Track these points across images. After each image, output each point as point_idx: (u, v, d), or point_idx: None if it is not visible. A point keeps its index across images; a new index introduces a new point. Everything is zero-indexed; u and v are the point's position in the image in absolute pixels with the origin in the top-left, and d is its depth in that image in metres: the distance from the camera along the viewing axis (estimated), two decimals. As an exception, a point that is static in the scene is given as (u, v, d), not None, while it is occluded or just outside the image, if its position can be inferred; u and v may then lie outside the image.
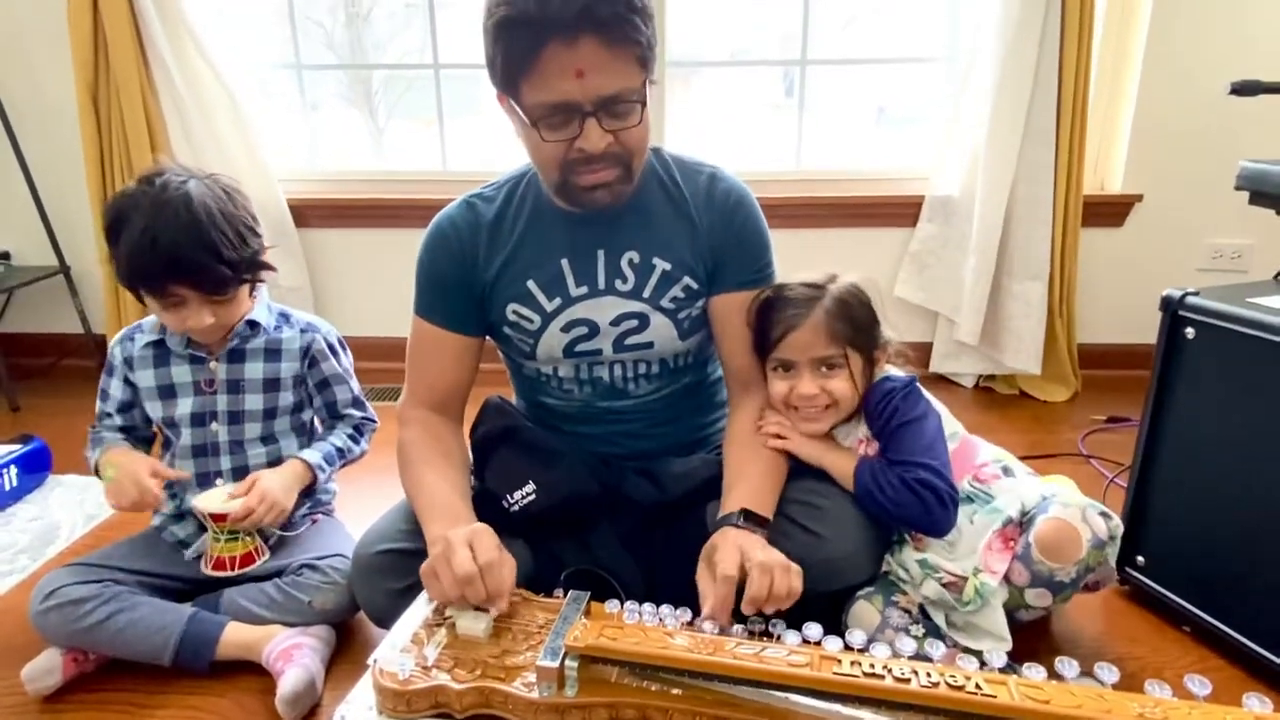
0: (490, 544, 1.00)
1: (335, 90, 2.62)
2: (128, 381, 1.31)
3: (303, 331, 1.35)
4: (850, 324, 1.14)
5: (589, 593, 1.02)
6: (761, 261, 1.23)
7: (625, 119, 1.03)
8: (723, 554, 0.99)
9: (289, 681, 1.11)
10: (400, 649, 0.96)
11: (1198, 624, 1.24)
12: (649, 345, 1.21)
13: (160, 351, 1.30)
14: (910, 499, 1.08)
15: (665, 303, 1.19)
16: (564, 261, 1.19)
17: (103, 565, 1.23)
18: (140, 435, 1.36)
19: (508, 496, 1.19)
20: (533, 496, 1.19)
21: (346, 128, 2.69)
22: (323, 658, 1.20)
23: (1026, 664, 0.86)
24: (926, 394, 1.18)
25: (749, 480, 1.12)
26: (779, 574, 0.96)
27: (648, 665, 0.90)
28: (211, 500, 1.23)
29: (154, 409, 1.31)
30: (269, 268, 1.30)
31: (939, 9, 2.36)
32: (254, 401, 1.31)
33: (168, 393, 1.30)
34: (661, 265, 1.18)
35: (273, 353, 1.32)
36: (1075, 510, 1.07)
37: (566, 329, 1.20)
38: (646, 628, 0.93)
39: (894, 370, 1.20)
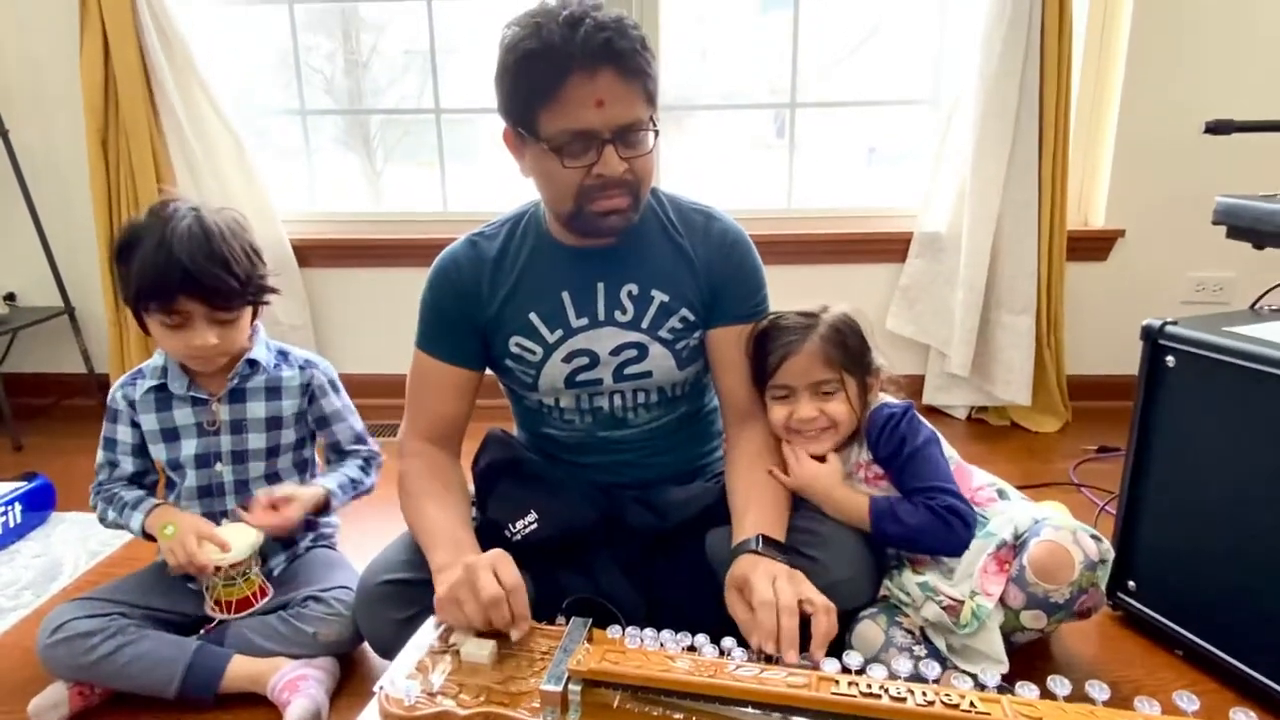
0: (513, 569, 1.02)
1: (333, 135, 2.69)
2: (134, 424, 1.33)
3: (301, 368, 1.38)
4: (843, 350, 1.19)
5: (591, 619, 1.04)
6: (757, 297, 1.27)
7: (639, 147, 1.10)
8: (757, 585, 0.99)
9: (295, 712, 1.12)
10: (406, 676, 0.97)
11: (1189, 647, 1.26)
12: (648, 375, 1.24)
13: (162, 395, 1.32)
14: (936, 525, 1.13)
15: (663, 333, 1.23)
16: (565, 294, 1.22)
17: (110, 600, 1.25)
18: (150, 483, 1.37)
19: (510, 526, 1.22)
20: (534, 526, 1.21)
21: (346, 171, 2.75)
22: (327, 689, 1.21)
23: (1020, 683, 0.87)
24: (921, 417, 1.22)
25: (761, 506, 1.15)
26: (821, 618, 0.97)
27: (650, 689, 0.91)
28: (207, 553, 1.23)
29: (158, 451, 1.33)
30: (273, 290, 1.33)
31: (923, 53, 2.44)
32: (257, 440, 1.33)
33: (171, 435, 1.32)
34: (660, 297, 1.22)
35: (273, 390, 1.34)
36: (1066, 533, 1.10)
37: (568, 359, 1.24)
38: (648, 652, 0.94)
39: (889, 398, 1.24)
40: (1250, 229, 1.57)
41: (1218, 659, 1.21)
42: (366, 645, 1.28)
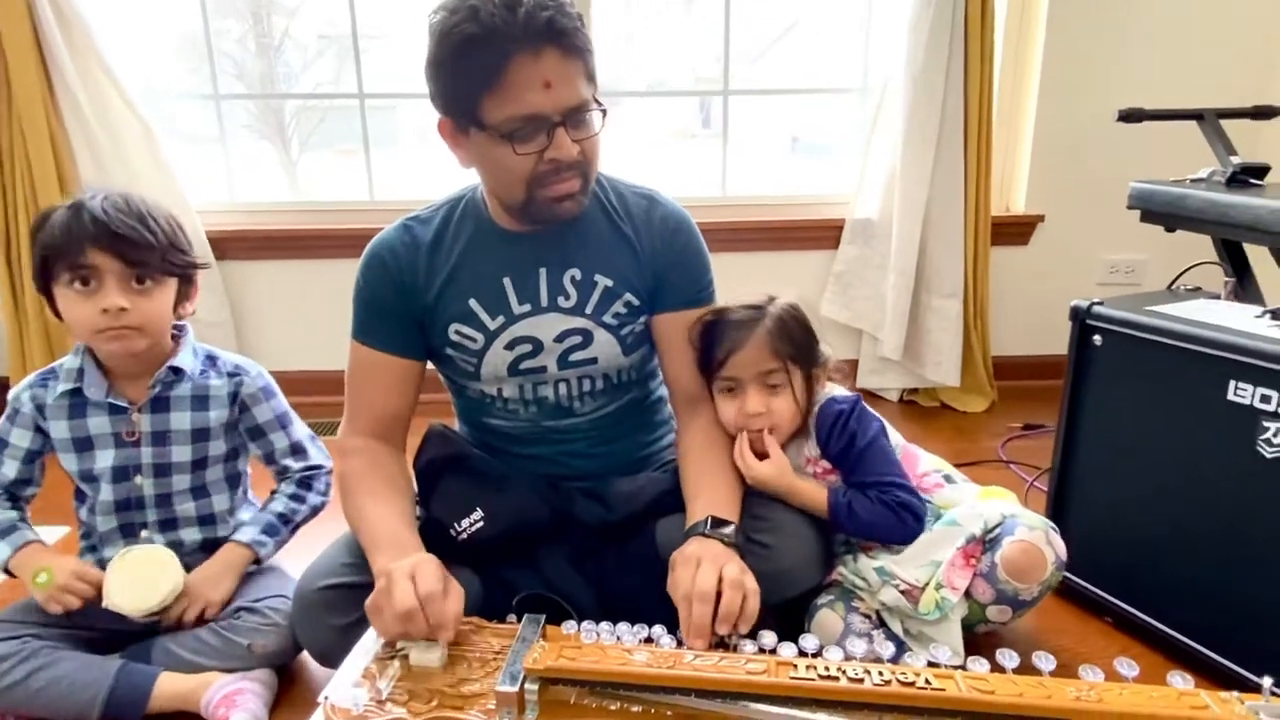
0: (433, 575, 0.98)
1: (245, 122, 2.56)
2: (39, 430, 1.23)
3: (230, 375, 1.29)
4: (790, 342, 1.19)
5: (544, 615, 1.01)
6: (702, 282, 1.26)
7: (587, 128, 1.08)
8: (679, 574, 1.00)
9: None
10: (352, 684, 0.93)
11: (1118, 614, 1.32)
12: (593, 361, 1.23)
13: (77, 401, 1.22)
14: (890, 518, 1.14)
15: (608, 318, 1.21)
16: (506, 280, 1.19)
17: (19, 620, 1.16)
18: (28, 495, 1.28)
19: (455, 525, 1.18)
20: (481, 524, 1.18)
21: (260, 159, 2.63)
22: (266, 702, 1.15)
23: (971, 657, 0.90)
24: (869, 408, 1.24)
25: (712, 489, 1.14)
26: (727, 595, 0.97)
27: (608, 683, 0.90)
28: (126, 601, 1.16)
29: (68, 461, 1.23)
30: (199, 266, 1.24)
31: (851, 42, 2.48)
32: (181, 453, 1.24)
33: (84, 445, 1.22)
34: (603, 282, 1.20)
35: (200, 399, 1.25)
36: (1040, 533, 1.13)
37: (510, 347, 1.21)
38: (605, 646, 0.93)
39: (837, 390, 1.25)
40: (1163, 213, 1.65)
41: (1144, 624, 1.27)
42: (305, 655, 1.23)
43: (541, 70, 1.01)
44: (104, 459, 1.22)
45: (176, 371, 1.24)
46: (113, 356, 1.21)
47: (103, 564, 1.21)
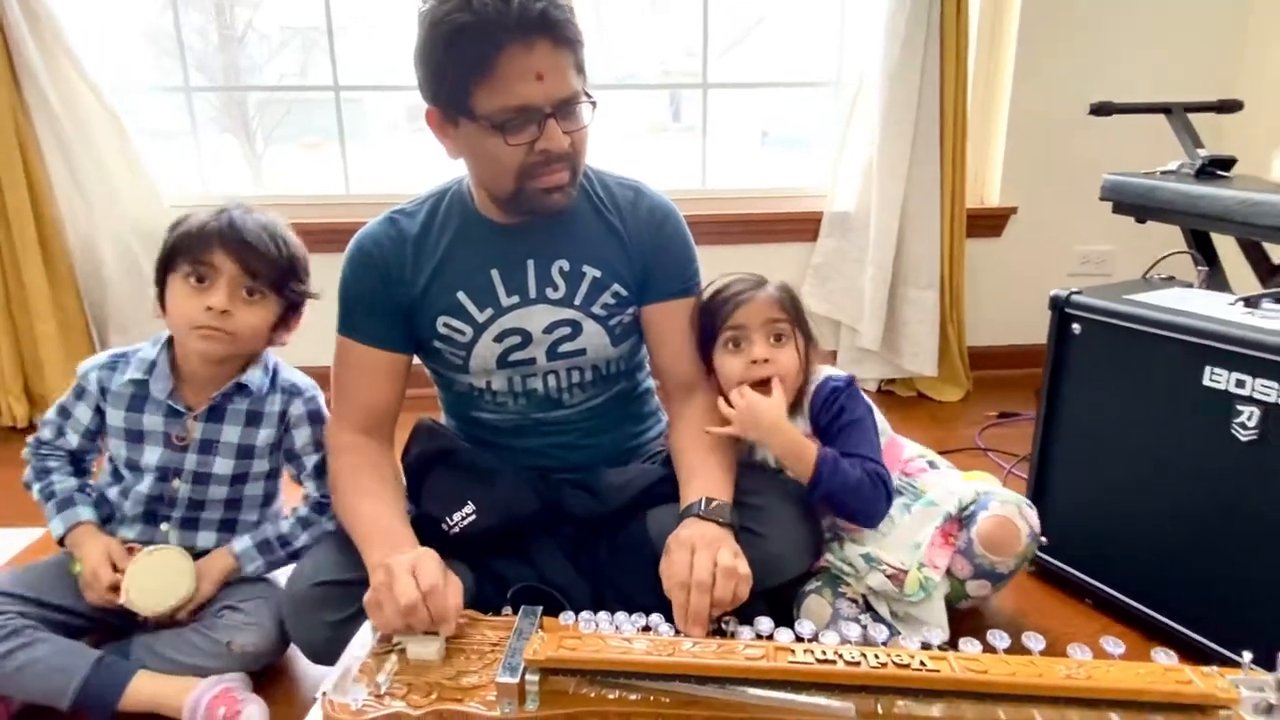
0: (434, 568, 0.99)
1: (210, 116, 2.51)
2: (98, 410, 1.23)
3: (285, 392, 1.27)
4: (793, 305, 1.23)
5: (541, 607, 1.02)
6: (689, 271, 1.27)
7: (578, 120, 1.08)
8: (674, 558, 1.01)
9: (255, 715, 1.09)
10: (350, 680, 0.93)
11: (1097, 595, 1.35)
12: (582, 352, 1.23)
13: (139, 392, 1.21)
14: (866, 485, 1.15)
15: (596, 309, 1.22)
16: (494, 272, 1.19)
17: (9, 594, 1.15)
18: (88, 466, 1.29)
19: (447, 519, 1.18)
20: (473, 517, 1.18)
21: (226, 153, 2.58)
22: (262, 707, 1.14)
23: (963, 638, 0.91)
24: (861, 392, 1.26)
25: (707, 471, 1.15)
26: (721, 583, 0.98)
27: (606, 672, 0.91)
28: (141, 600, 1.16)
29: (117, 447, 1.23)
30: (308, 295, 1.25)
31: (824, 37, 2.50)
32: (224, 466, 1.23)
33: (135, 437, 1.22)
34: (591, 273, 1.21)
35: (254, 415, 1.24)
36: (1013, 506, 1.16)
37: (499, 339, 1.21)
38: (604, 636, 0.93)
39: (833, 371, 1.26)
40: (1134, 204, 1.69)
41: (1123, 604, 1.31)
42: (291, 654, 1.22)
43: (533, 61, 1.01)
44: (151, 455, 1.21)
45: (242, 388, 1.23)
46: (193, 356, 1.20)
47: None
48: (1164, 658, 0.89)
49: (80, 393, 1.24)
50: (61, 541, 1.22)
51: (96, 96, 2.12)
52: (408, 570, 0.96)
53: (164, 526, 1.23)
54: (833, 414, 1.20)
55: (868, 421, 1.21)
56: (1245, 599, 1.15)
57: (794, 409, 1.25)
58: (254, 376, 1.24)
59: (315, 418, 1.29)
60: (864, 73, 2.27)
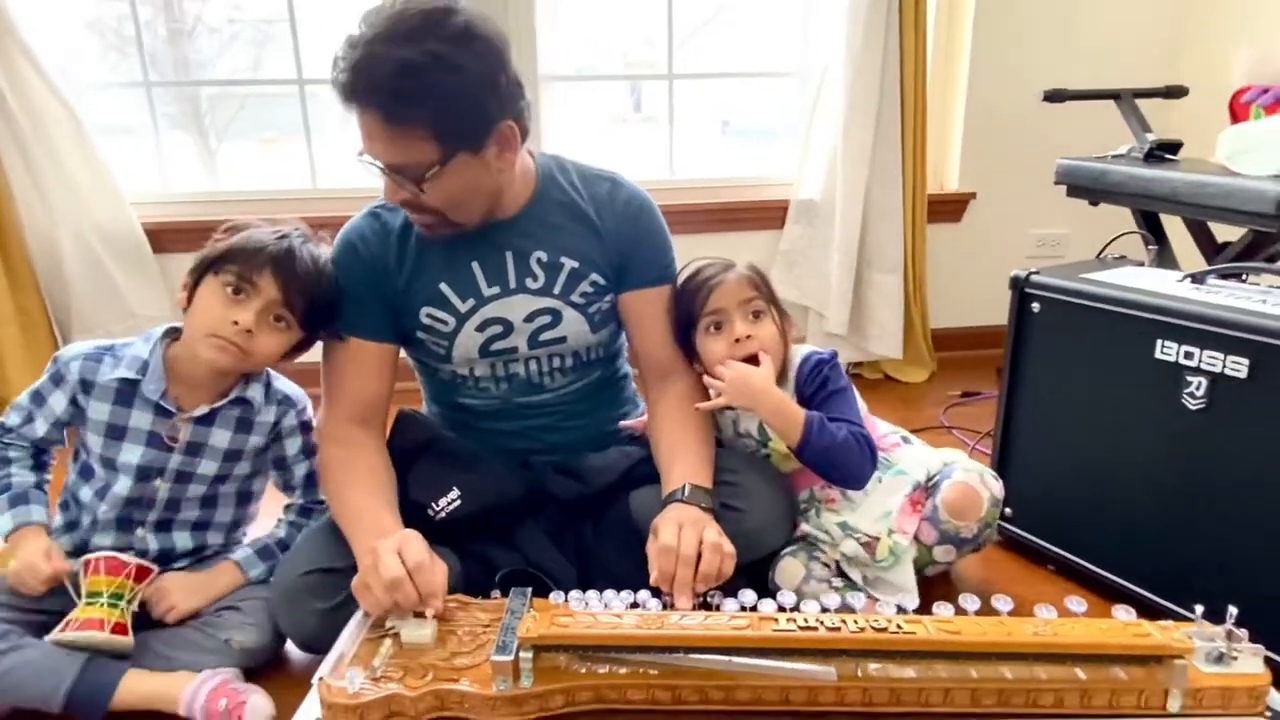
0: (418, 547, 1.01)
1: (162, 112, 2.44)
2: (75, 403, 1.20)
3: (279, 404, 1.27)
4: (763, 282, 1.27)
5: (530, 588, 1.04)
6: (665, 260, 1.31)
7: (413, 186, 1.09)
8: (663, 534, 1.04)
9: (259, 706, 1.08)
10: (345, 665, 0.95)
11: (1059, 561, 1.41)
12: (562, 340, 1.25)
13: (128, 389, 1.19)
14: (853, 446, 1.19)
15: (575, 298, 1.24)
16: (474, 264, 1.22)
17: None
18: (51, 456, 1.26)
19: (432, 505, 1.20)
20: (458, 502, 1.20)
21: (181, 150, 2.52)
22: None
23: (936, 602, 0.96)
24: (842, 368, 1.31)
25: (687, 456, 1.18)
26: (708, 556, 1.02)
27: (596, 647, 0.94)
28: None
29: (95, 443, 1.20)
30: (329, 338, 1.25)
31: (786, 28, 2.53)
32: (208, 468, 1.23)
33: (117, 433, 1.19)
34: (569, 264, 1.23)
35: (245, 424, 1.24)
36: (975, 474, 1.23)
37: (481, 328, 1.23)
38: (595, 613, 0.96)
39: (814, 347, 1.32)
40: (1087, 187, 1.76)
41: (1084, 569, 1.37)
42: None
43: (363, 124, 1.06)
44: (130, 453, 1.19)
45: (241, 401, 1.23)
46: (199, 362, 1.18)
47: (85, 548, 1.20)
48: (1124, 614, 0.95)
49: (58, 380, 1.21)
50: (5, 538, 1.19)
51: (52, 92, 2.07)
52: (392, 550, 0.98)
53: (139, 532, 1.22)
54: (817, 384, 1.25)
55: (851, 391, 1.27)
56: (1196, 559, 1.22)
57: (779, 383, 1.28)
58: (255, 392, 1.24)
59: (307, 428, 1.30)
60: (827, 64, 2.31)
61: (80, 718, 1.10)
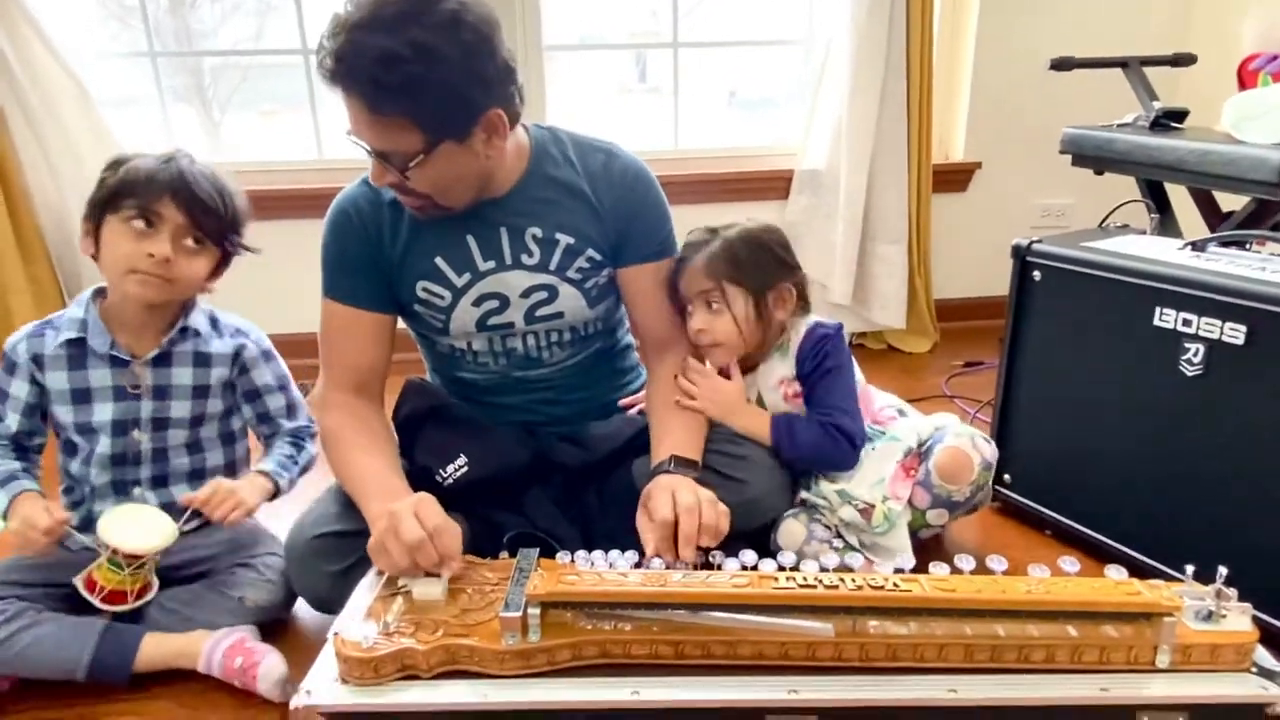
0: (436, 510, 1.03)
1: (164, 83, 2.43)
2: (34, 382, 1.22)
3: (232, 335, 1.30)
4: (732, 264, 1.24)
5: (537, 549, 1.07)
6: (662, 234, 1.30)
7: (399, 172, 1.08)
8: (656, 500, 1.07)
9: (274, 669, 1.12)
10: (359, 620, 0.98)
11: (1056, 526, 1.44)
12: (559, 315, 1.26)
13: (77, 352, 1.21)
14: (825, 441, 1.22)
15: (571, 274, 1.24)
16: (469, 238, 1.21)
17: (6, 580, 1.16)
18: (35, 445, 1.27)
19: (440, 471, 1.22)
20: (465, 468, 1.23)
21: (183, 120, 2.52)
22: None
23: (932, 562, 0.98)
24: (845, 343, 1.32)
25: (675, 431, 1.20)
26: (707, 509, 1.04)
27: (601, 604, 0.96)
28: (129, 538, 1.15)
29: (65, 414, 1.22)
30: (247, 249, 1.26)
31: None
32: (181, 409, 1.25)
33: (83, 397, 1.22)
34: (565, 240, 1.23)
35: (202, 356, 1.26)
36: (966, 438, 1.25)
37: (477, 303, 1.23)
38: (600, 571, 0.99)
39: (822, 318, 1.32)
40: (1093, 156, 1.76)
41: (1080, 533, 1.40)
42: (295, 609, 1.27)
43: (350, 109, 1.06)
44: (103, 411, 1.22)
45: (185, 331, 1.25)
46: (128, 301, 1.20)
47: (91, 519, 1.22)
48: (1115, 573, 0.97)
49: (11, 368, 1.23)
50: (4, 517, 1.20)
51: (58, 62, 2.08)
52: (410, 513, 1.01)
53: (136, 491, 1.25)
54: (816, 362, 1.26)
55: (846, 370, 1.27)
56: (1190, 522, 1.24)
57: (773, 354, 1.30)
58: (198, 320, 1.26)
59: (269, 356, 1.33)
60: (832, 32, 2.29)
61: (106, 682, 1.13)
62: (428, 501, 1.04)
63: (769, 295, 1.26)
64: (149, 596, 1.18)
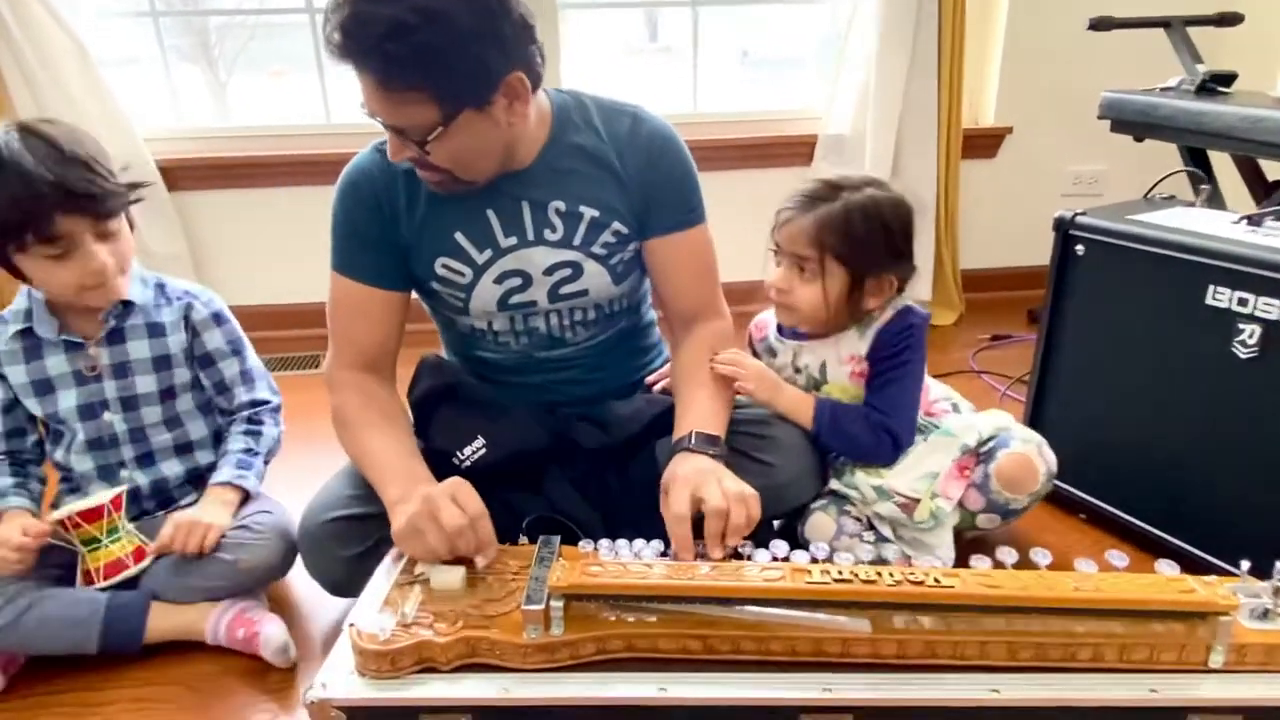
0: (474, 496, 1.00)
1: (169, 43, 2.37)
2: (2, 378, 1.19)
3: (179, 300, 1.26)
4: (843, 237, 1.14)
5: (558, 536, 1.03)
6: (691, 202, 1.24)
7: (418, 146, 1.03)
8: (674, 496, 1.01)
9: (274, 637, 1.12)
10: (376, 611, 0.95)
11: (1092, 510, 1.39)
12: (584, 293, 1.21)
13: (30, 343, 1.18)
14: (868, 438, 1.18)
15: (597, 249, 1.19)
16: (489, 212, 1.16)
17: None
18: (32, 444, 1.25)
19: (458, 453, 1.18)
20: (483, 451, 1.19)
21: (190, 83, 2.46)
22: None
23: (974, 555, 0.94)
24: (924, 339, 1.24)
25: (699, 405, 1.15)
26: (735, 508, 0.98)
27: (627, 596, 0.93)
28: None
29: (32, 406, 1.20)
30: (140, 185, 1.19)
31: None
32: (146, 384, 1.22)
33: (44, 388, 1.19)
34: (589, 213, 1.17)
35: (155, 326, 1.23)
36: (1034, 446, 1.19)
37: (499, 281, 1.18)
38: (624, 562, 0.95)
39: (916, 306, 1.23)
40: (1134, 121, 1.68)
41: (1118, 519, 1.35)
42: (300, 591, 1.25)
43: (362, 84, 1.01)
44: (67, 399, 1.19)
45: (127, 305, 1.21)
46: (77, 300, 1.17)
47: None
48: (1167, 568, 0.92)
49: None
50: None
51: (56, 20, 2.02)
52: (448, 497, 0.97)
53: (124, 473, 1.23)
54: (891, 350, 1.20)
55: (917, 369, 1.21)
56: (1241, 512, 1.19)
57: (847, 329, 1.23)
58: (134, 291, 1.22)
59: (220, 318, 1.29)
60: (860, -11, 2.20)
61: (118, 653, 1.13)
62: (464, 487, 1.01)
63: (869, 282, 1.17)
64: (148, 560, 1.17)
